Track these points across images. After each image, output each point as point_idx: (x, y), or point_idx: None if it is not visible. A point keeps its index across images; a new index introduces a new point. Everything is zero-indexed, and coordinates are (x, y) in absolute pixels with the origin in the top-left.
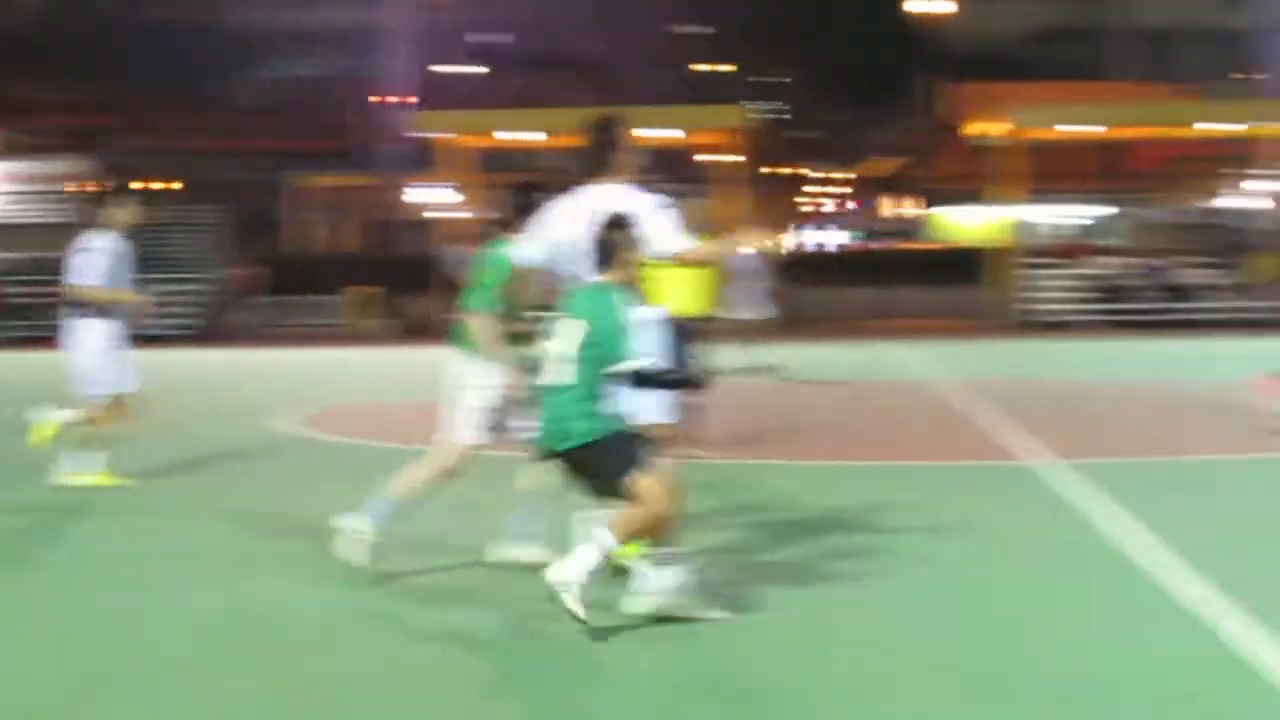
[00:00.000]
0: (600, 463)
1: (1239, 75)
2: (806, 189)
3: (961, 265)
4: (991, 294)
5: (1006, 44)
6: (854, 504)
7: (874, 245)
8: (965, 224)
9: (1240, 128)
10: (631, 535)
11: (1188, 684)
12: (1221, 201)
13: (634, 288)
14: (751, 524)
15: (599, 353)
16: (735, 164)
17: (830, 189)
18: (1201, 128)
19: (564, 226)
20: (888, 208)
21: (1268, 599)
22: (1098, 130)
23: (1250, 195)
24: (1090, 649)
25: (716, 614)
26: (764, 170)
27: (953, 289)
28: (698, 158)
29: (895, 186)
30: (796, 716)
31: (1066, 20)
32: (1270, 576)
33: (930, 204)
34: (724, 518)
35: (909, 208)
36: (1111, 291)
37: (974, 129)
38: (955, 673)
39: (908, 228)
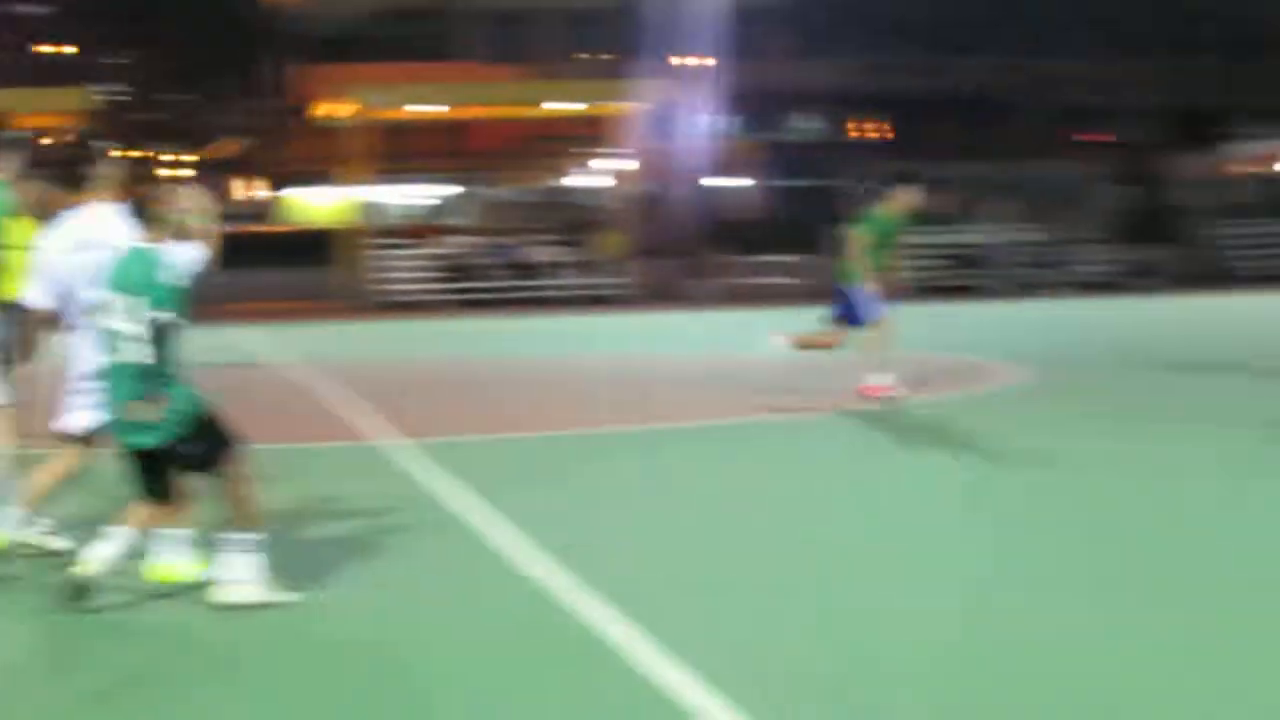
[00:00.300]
0: None
1: (583, 55)
2: (160, 173)
3: (313, 247)
4: (342, 275)
5: (356, 25)
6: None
7: (223, 228)
8: (315, 206)
9: (582, 107)
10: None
11: (517, 638)
12: (568, 180)
13: None
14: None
15: None
16: (81, 147)
17: (181, 172)
18: (547, 107)
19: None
20: (238, 191)
21: (598, 564)
22: (443, 110)
23: (595, 174)
24: (432, 617)
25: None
26: (113, 154)
27: (305, 271)
28: (42, 141)
29: (243, 169)
30: None
31: (416, 2)
32: (602, 541)
33: (279, 186)
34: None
35: (259, 190)
36: (461, 271)
37: (322, 111)
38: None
39: (259, 210)
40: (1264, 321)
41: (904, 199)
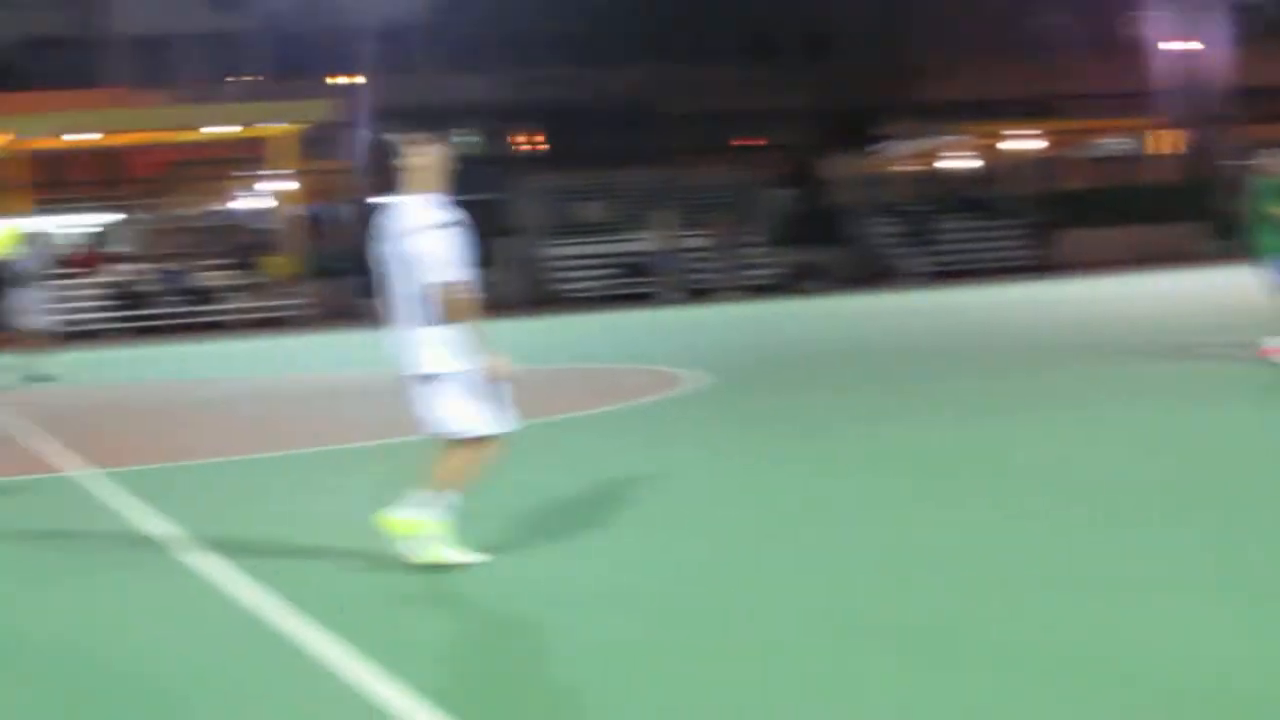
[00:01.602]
0: None
1: (232, 78)
2: None
3: None
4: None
5: (2, 55)
6: None
7: None
8: None
9: (238, 129)
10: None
11: (234, 659)
12: (233, 203)
13: None
14: None
15: None
16: None
17: None
18: (204, 131)
19: None
20: None
21: (305, 583)
22: (98, 138)
23: (258, 196)
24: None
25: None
26: None
27: None
28: None
29: None
30: None
31: (58, 28)
32: (303, 561)
33: None
34: None
35: None
36: (131, 298)
37: None
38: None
39: None
40: (918, 316)
41: None
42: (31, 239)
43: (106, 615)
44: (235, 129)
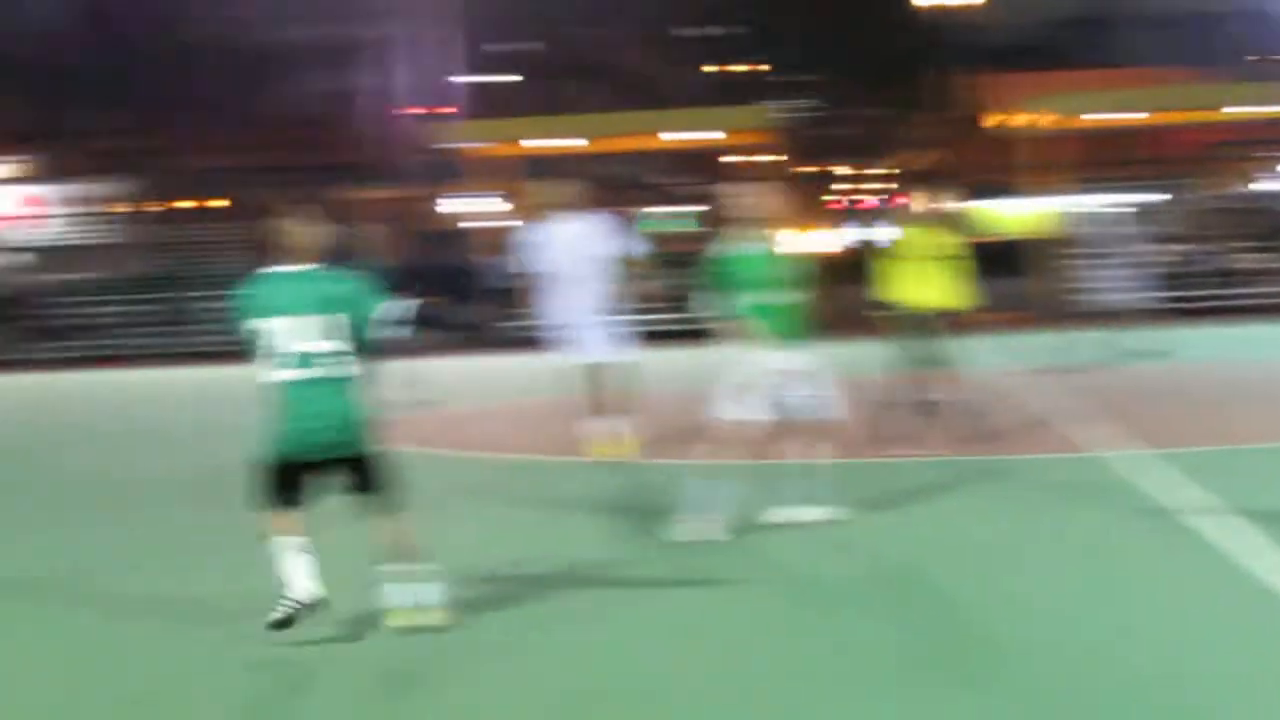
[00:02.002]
0: None
1: (1255, 57)
2: (835, 186)
3: (1003, 258)
4: (1037, 285)
5: (1025, 33)
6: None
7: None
8: (1005, 217)
9: (1270, 109)
10: None
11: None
12: (1256, 185)
13: None
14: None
15: None
16: (766, 163)
17: (863, 185)
18: (1233, 111)
19: None
20: (922, 202)
21: None
22: (1134, 117)
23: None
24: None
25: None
26: (795, 169)
27: (995, 281)
28: (728, 159)
29: (930, 180)
30: None
31: (1083, 8)
32: None
33: (967, 197)
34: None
35: (945, 202)
36: (1171, 279)
37: (1009, 119)
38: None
39: (952, 222)
40: None
41: None
42: (1094, 218)
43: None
44: (1262, 109)
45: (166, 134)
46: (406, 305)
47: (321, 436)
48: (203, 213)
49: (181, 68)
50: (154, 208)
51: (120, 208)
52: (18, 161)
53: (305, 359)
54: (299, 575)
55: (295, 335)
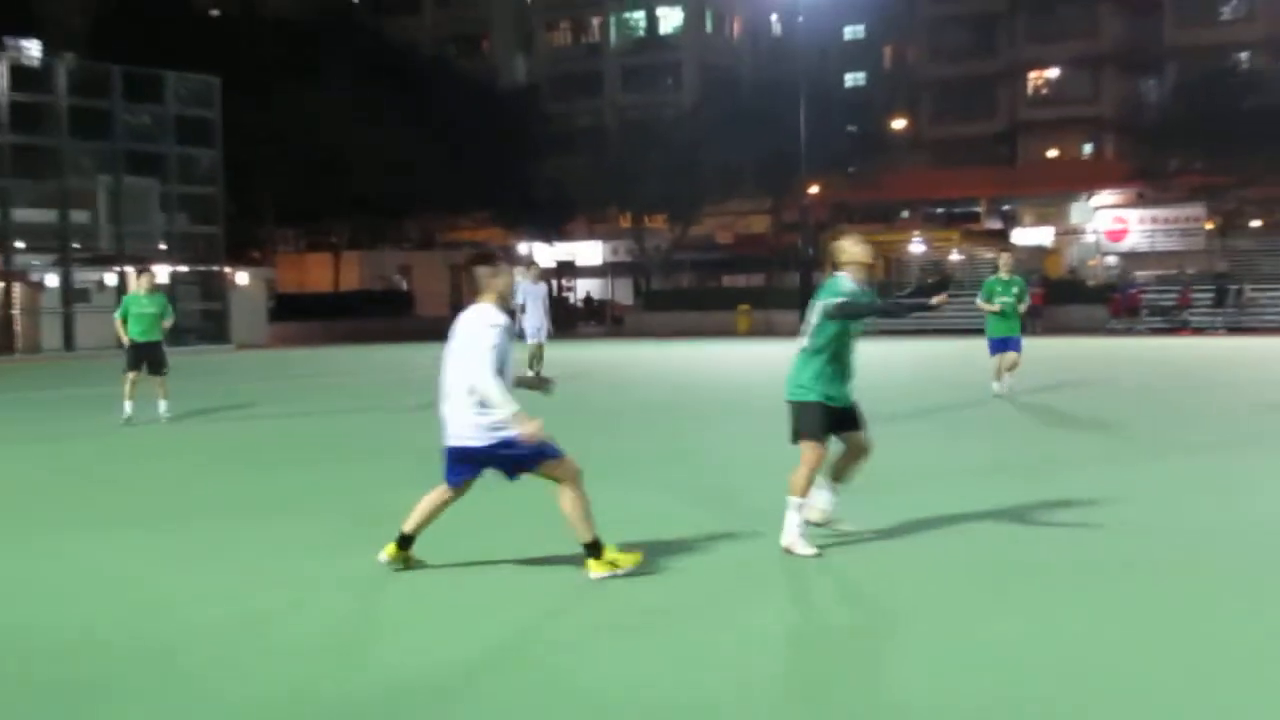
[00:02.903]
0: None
1: None
2: None
3: None
4: None
5: None
6: None
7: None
8: None
9: None
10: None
11: None
12: None
13: None
14: None
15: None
16: None
17: None
18: None
19: None
20: None
21: None
22: None
23: None
24: None
25: None
26: None
27: None
28: None
29: None
30: None
31: None
32: None
33: None
34: None
35: None
36: None
37: None
38: None
39: None
40: None
41: None
42: None
43: None
44: None
45: (1239, 170)
46: None
47: None
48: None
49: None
50: (1212, 226)
51: (1202, 224)
52: (1119, 192)
53: None
54: None
55: None
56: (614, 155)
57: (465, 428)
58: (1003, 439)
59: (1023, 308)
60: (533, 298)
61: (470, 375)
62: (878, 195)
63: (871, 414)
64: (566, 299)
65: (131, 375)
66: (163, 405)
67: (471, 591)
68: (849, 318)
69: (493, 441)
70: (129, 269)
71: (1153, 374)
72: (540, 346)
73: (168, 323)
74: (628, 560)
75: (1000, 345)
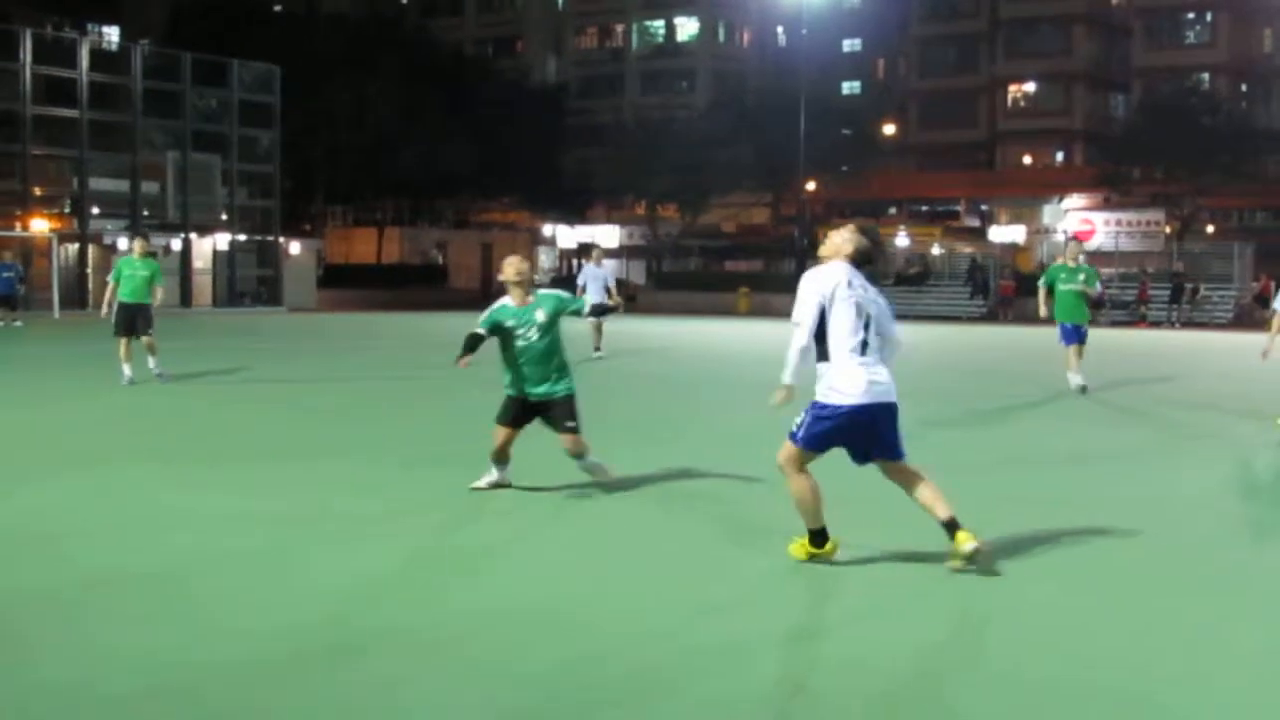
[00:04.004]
0: None
1: None
2: None
3: None
4: None
5: None
6: None
7: None
8: None
9: None
10: None
11: None
12: None
13: None
14: None
15: None
16: None
17: None
18: None
19: None
20: None
21: None
22: None
23: None
24: None
25: None
26: None
27: None
28: None
29: None
30: None
31: None
32: None
33: None
34: None
35: None
36: None
37: None
38: None
39: None
40: None
41: None
42: None
43: None
44: None
45: (1196, 180)
46: None
47: None
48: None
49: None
50: (1170, 230)
51: (1161, 228)
52: (1087, 196)
53: None
54: None
55: None
56: (632, 150)
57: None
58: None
59: (1095, 293)
60: (594, 279)
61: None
62: (868, 193)
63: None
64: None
65: (124, 340)
66: (152, 362)
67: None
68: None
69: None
70: (193, 235)
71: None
72: (599, 323)
73: (159, 288)
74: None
75: (1073, 334)
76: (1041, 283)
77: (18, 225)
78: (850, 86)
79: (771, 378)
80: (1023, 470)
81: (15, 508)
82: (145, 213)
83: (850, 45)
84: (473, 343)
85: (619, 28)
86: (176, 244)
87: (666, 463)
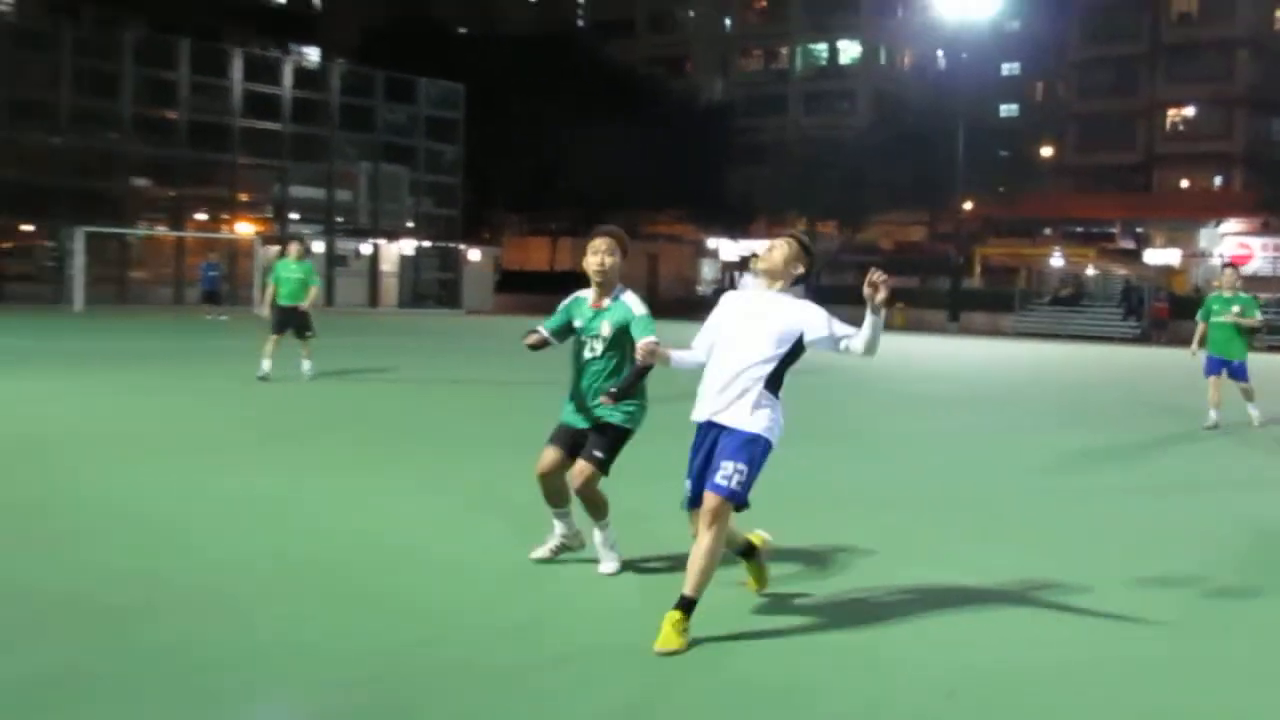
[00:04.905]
0: None
1: None
2: None
3: None
4: None
5: None
6: None
7: None
8: None
9: None
10: None
11: None
12: None
13: None
14: None
15: None
16: None
17: None
18: None
19: None
20: None
21: None
22: None
23: None
24: None
25: None
26: None
27: None
28: None
29: None
30: None
31: None
32: None
33: None
34: None
35: None
36: None
37: None
38: None
39: None
40: None
41: None
42: None
43: None
44: None
45: None
46: None
47: None
48: None
49: None
50: None
51: None
52: (1245, 221)
53: None
54: None
55: None
56: (794, 168)
57: None
58: None
59: (1253, 322)
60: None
61: None
62: (1023, 213)
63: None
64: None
65: (275, 337)
66: (306, 365)
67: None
68: None
69: None
70: (382, 240)
71: None
72: None
73: (313, 289)
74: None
75: (1216, 365)
76: (1199, 316)
77: (224, 228)
78: (1008, 109)
79: (937, 391)
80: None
81: (234, 485)
82: (339, 218)
83: (1009, 69)
84: (536, 343)
85: (783, 50)
86: (366, 248)
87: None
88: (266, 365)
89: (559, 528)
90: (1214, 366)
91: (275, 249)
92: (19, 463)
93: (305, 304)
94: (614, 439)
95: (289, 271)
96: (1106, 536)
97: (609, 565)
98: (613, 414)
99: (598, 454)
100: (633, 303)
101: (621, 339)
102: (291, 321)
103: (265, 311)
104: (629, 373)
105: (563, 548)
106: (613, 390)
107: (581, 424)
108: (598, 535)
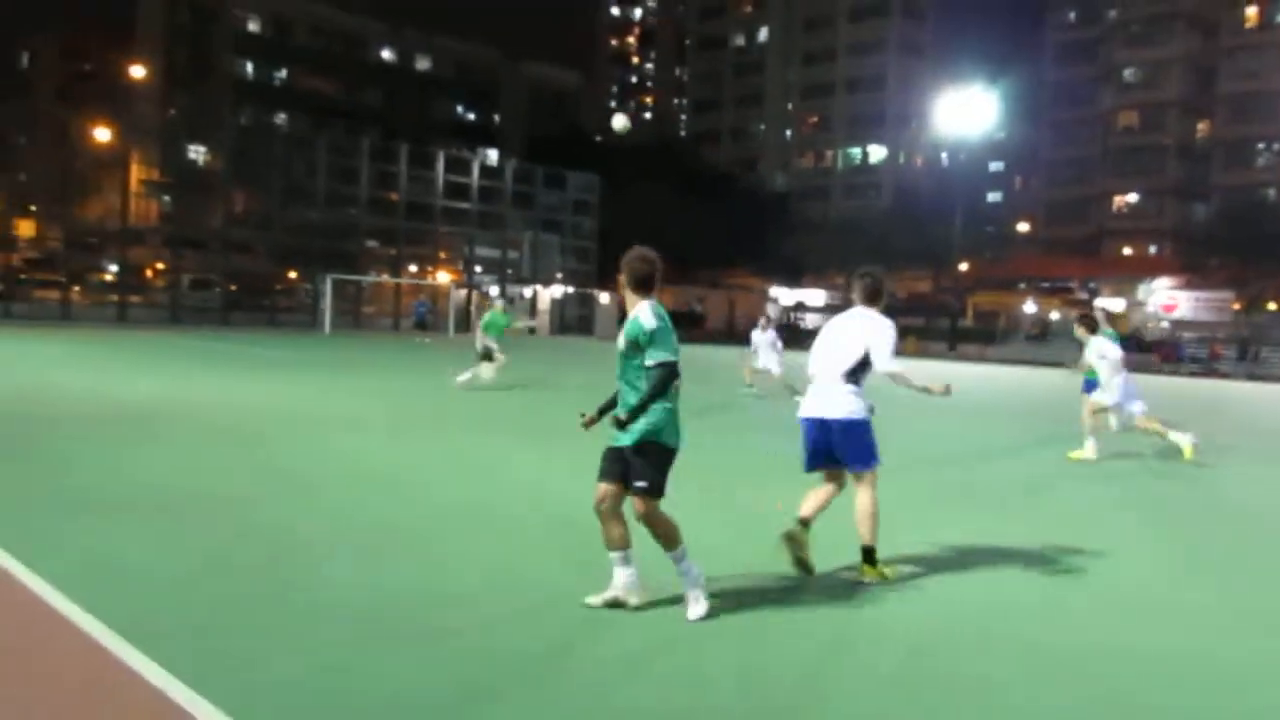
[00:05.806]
0: None
1: None
2: None
3: None
4: None
5: None
6: None
7: None
8: None
9: None
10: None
11: None
12: None
13: None
14: None
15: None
16: None
17: None
18: None
19: None
20: None
21: None
22: None
23: None
24: None
25: None
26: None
27: None
28: None
29: None
30: None
31: None
32: None
33: None
34: None
35: None
36: None
37: None
38: None
39: None
40: None
41: None
42: None
43: None
44: None
45: (1262, 268)
46: None
47: None
48: None
49: (1273, 236)
50: (1239, 305)
51: (1230, 304)
52: (1174, 279)
53: None
54: None
55: None
56: (834, 237)
57: None
58: None
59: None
60: (764, 345)
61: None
62: (1005, 272)
63: None
64: (799, 324)
65: (484, 363)
66: (487, 374)
67: None
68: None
69: None
70: (538, 287)
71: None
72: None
73: (517, 325)
74: (892, 573)
75: (1088, 385)
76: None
77: (429, 276)
78: (995, 195)
79: (934, 399)
80: None
81: (390, 459)
82: (509, 271)
83: (996, 166)
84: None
85: (829, 153)
86: (528, 292)
87: None
88: (467, 376)
89: (616, 576)
90: (1087, 386)
91: (464, 291)
92: (283, 433)
93: (516, 326)
94: (654, 459)
95: (495, 318)
96: (1045, 499)
97: (696, 609)
98: (622, 435)
99: (641, 484)
100: (645, 318)
101: (632, 349)
102: (491, 350)
103: (479, 344)
104: (642, 396)
105: (615, 602)
106: (621, 416)
107: (620, 441)
108: (677, 569)
